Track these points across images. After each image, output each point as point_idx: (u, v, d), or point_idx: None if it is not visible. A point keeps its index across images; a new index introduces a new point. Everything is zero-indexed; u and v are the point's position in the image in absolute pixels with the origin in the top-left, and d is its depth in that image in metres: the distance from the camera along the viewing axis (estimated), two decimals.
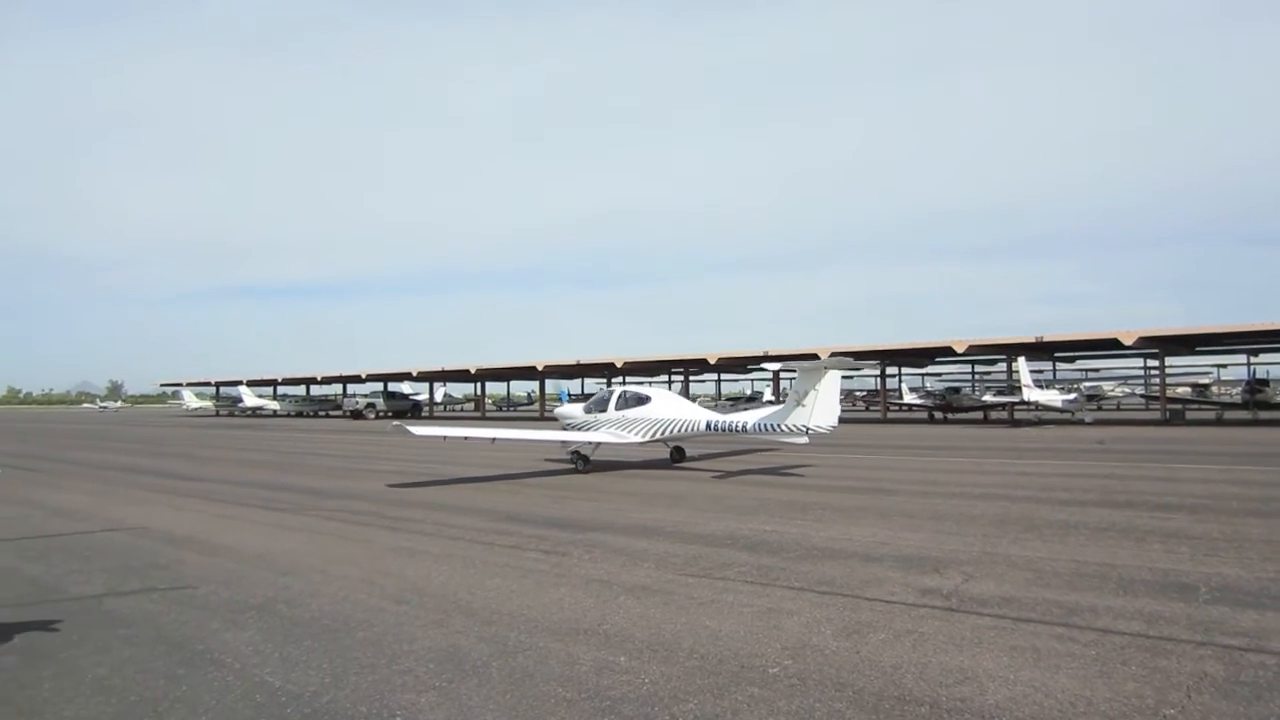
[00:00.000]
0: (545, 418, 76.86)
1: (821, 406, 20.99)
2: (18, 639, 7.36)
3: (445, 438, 26.94)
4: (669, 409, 24.31)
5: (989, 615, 7.54)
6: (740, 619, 7.60)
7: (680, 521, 13.55)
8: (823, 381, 21.03)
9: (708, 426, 23.45)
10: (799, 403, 21.26)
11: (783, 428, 21.44)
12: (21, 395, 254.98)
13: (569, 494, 17.76)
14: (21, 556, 11.40)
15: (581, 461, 23.59)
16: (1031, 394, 49.76)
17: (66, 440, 46.01)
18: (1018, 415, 53.71)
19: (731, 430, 23.29)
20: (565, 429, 25.99)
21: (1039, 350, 55.08)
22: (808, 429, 20.97)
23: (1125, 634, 6.88)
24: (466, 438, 24.90)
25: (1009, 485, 17.90)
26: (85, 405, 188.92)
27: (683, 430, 23.70)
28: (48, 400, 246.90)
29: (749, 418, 23.28)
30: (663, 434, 23.74)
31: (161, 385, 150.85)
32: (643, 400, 24.71)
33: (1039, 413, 51.50)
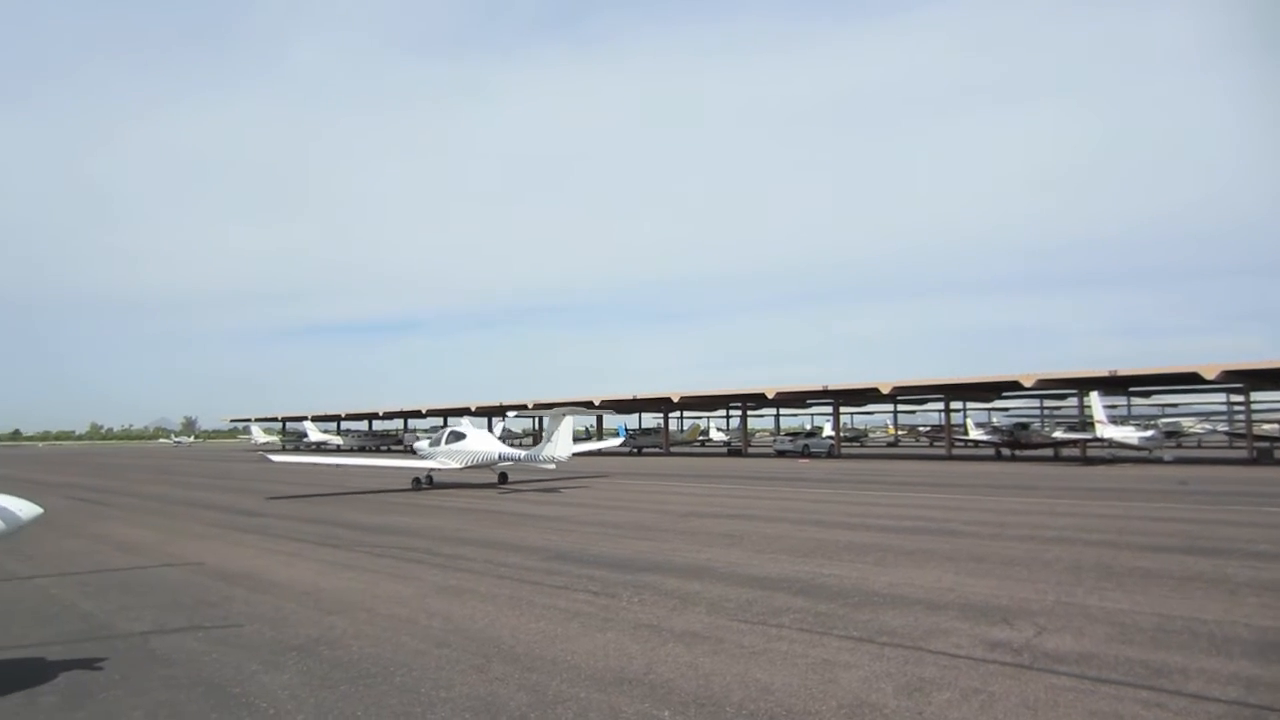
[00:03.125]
0: (603, 452, 76.78)
1: (561, 442, 29.70)
2: (61, 677, 7.31)
3: (310, 464, 40.56)
4: (477, 443, 31.72)
5: (1065, 674, 6.99)
6: (794, 671, 7.18)
7: (735, 562, 13.12)
8: (561, 424, 29.76)
9: (499, 457, 31.21)
10: (549, 439, 29.86)
11: (540, 458, 29.83)
12: (103, 431, 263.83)
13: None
14: (81, 591, 11.50)
15: (416, 484, 31.12)
16: (1105, 430, 47.85)
17: (141, 475, 47.22)
18: (1091, 453, 51.80)
19: (514, 460, 31.04)
20: (419, 458, 32.93)
21: (1113, 385, 53.19)
22: (554, 459, 29.56)
23: (1220, 700, 6.30)
24: (319, 464, 39.06)
25: (1083, 528, 17.03)
26: (161, 440, 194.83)
27: (484, 459, 31.17)
28: (127, 435, 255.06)
29: (523, 452, 31.40)
30: (472, 462, 31.13)
31: (231, 421, 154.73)
32: (462, 436, 32.01)
33: (1113, 450, 49.58)
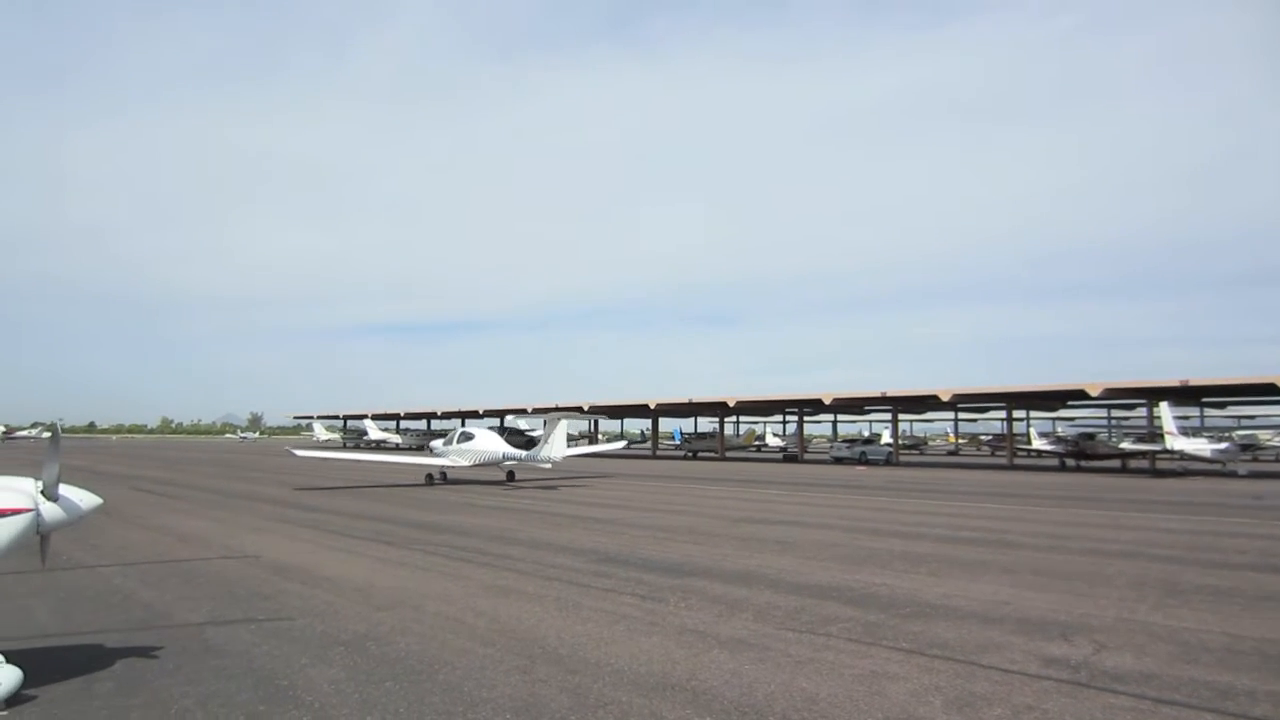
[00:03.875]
0: (657, 455, 76.73)
1: (556, 444, 33.66)
2: (119, 665, 7.50)
3: (331, 459, 43.88)
4: (484, 444, 35.27)
5: (1124, 694, 6.73)
6: (840, 682, 7.04)
7: (785, 569, 12.96)
8: (556, 427, 33.78)
9: (503, 456, 34.52)
10: (545, 441, 33.56)
11: (539, 458, 33.56)
12: (173, 425, 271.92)
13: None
14: (142, 581, 11.82)
15: (429, 479, 34.36)
16: (1176, 442, 46.27)
17: (204, 468, 48.50)
18: (1160, 465, 50.17)
19: (517, 459, 34.39)
20: (433, 456, 36.34)
21: (1184, 395, 51.43)
22: (550, 459, 33.48)
23: None
24: (338, 459, 41.64)
25: (1150, 543, 16.48)
26: (228, 435, 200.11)
27: (490, 458, 34.46)
28: (195, 430, 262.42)
29: (524, 453, 34.61)
30: (479, 460, 34.44)
31: (295, 418, 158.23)
32: (471, 437, 35.74)
33: (1184, 463, 47.97)
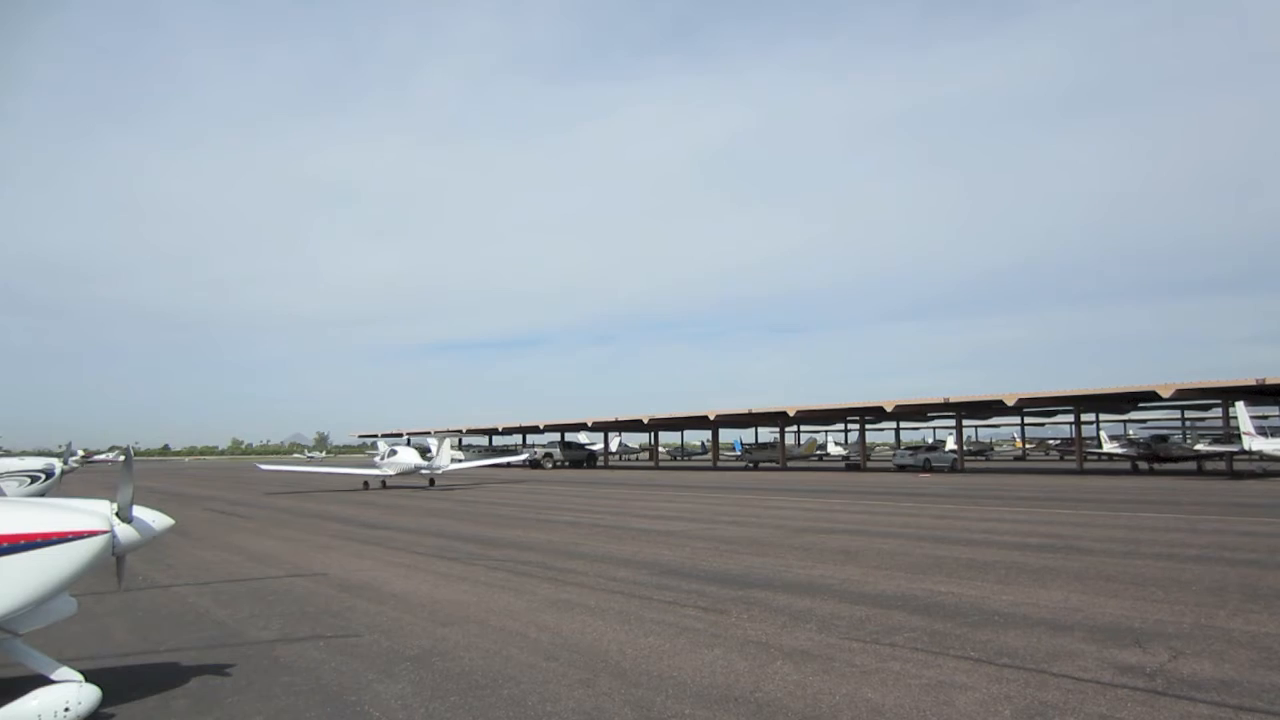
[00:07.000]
0: (718, 466, 76.42)
1: (444, 456, 45.95)
2: (193, 682, 7.72)
3: (290, 470, 58.97)
4: (404, 457, 45.36)
5: (1203, 702, 6.51)
6: (906, 692, 6.93)
7: (849, 579, 12.80)
8: (442, 443, 45.84)
9: (416, 467, 44.61)
10: (435, 454, 45.29)
11: (433, 467, 44.94)
12: (243, 446, 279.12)
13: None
14: (215, 600, 12.15)
15: (365, 485, 44.83)
16: (1254, 442, 44.65)
17: (271, 487, 49.64)
18: (1238, 466, 48.39)
19: (425, 468, 44.91)
20: (376, 469, 46.64)
21: (1261, 394, 49.59)
22: (440, 468, 45.56)
23: None
24: (296, 470, 57.43)
25: (1228, 546, 15.90)
26: (295, 455, 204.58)
27: (407, 468, 44.64)
28: (265, 450, 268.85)
29: (426, 463, 45.03)
30: (401, 470, 44.68)
31: (359, 436, 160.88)
32: (395, 453, 45.84)
33: (1263, 463, 46.21)
